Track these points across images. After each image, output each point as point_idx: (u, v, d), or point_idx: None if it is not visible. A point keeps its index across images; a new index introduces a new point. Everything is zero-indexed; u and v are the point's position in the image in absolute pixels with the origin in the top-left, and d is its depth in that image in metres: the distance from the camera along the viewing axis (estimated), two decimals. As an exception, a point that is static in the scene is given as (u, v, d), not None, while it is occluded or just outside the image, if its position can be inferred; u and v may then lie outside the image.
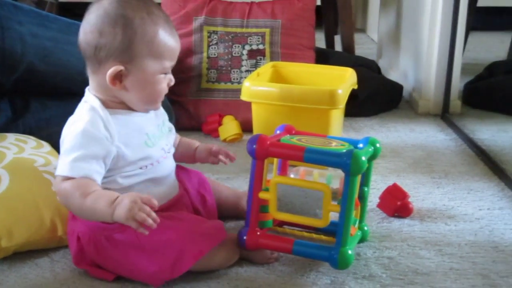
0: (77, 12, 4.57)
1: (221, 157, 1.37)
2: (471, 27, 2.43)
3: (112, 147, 1.16)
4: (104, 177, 1.17)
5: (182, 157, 1.38)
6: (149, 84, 1.19)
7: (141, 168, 1.21)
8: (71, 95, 1.71)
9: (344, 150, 1.17)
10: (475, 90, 2.36)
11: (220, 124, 1.99)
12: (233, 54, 2.13)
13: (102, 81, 1.18)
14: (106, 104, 1.19)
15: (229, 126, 1.95)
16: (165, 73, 1.21)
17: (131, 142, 1.19)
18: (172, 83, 1.24)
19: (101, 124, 1.16)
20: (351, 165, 1.13)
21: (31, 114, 1.66)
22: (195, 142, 1.40)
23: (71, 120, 1.19)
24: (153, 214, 1.07)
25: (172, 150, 1.31)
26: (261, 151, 1.19)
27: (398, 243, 1.35)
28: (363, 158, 1.14)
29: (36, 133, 1.65)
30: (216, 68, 2.11)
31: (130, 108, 1.22)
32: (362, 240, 1.33)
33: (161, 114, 1.30)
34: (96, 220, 1.15)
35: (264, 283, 1.19)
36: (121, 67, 1.16)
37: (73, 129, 1.16)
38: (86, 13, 1.19)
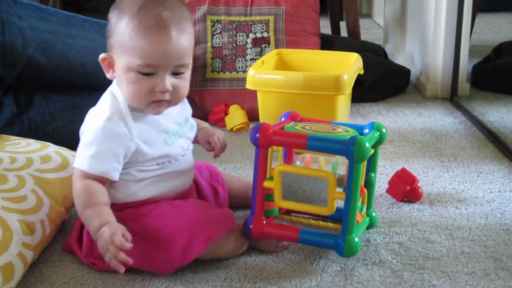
0: (81, 7, 4.56)
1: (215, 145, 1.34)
2: (478, 9, 2.40)
3: (131, 143, 1.16)
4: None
5: None
6: (124, 80, 1.16)
7: (158, 164, 1.21)
8: (74, 89, 1.72)
9: (348, 137, 1.15)
10: (483, 72, 2.34)
11: (226, 113, 1.98)
12: (238, 43, 2.11)
13: None
14: None
15: (235, 116, 1.94)
16: (145, 74, 1.13)
17: (150, 140, 1.19)
18: (160, 89, 1.14)
19: (121, 120, 1.16)
20: (354, 152, 1.11)
21: (35, 109, 1.66)
22: (202, 122, 1.38)
23: (92, 112, 1.20)
24: (121, 256, 1.07)
25: (191, 147, 1.30)
26: (264, 140, 1.18)
27: (408, 228, 1.34)
28: (367, 145, 1.12)
29: (42, 128, 1.65)
30: (220, 57, 2.10)
31: None
32: (370, 226, 1.32)
33: (186, 112, 1.29)
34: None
35: (273, 272, 1.18)
36: (105, 55, 1.17)
37: (93, 122, 1.16)
38: None
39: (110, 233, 1.09)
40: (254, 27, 2.12)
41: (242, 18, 2.13)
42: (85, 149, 1.16)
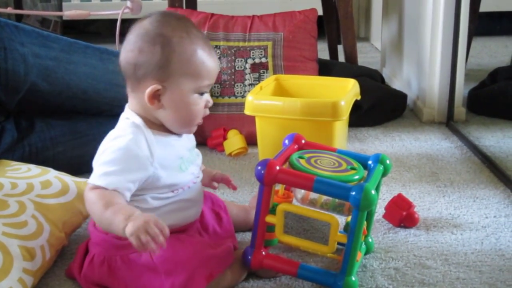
0: (81, 29, 4.60)
1: (215, 184, 1.40)
2: (474, 33, 2.43)
3: (151, 167, 1.17)
4: (136, 195, 1.17)
5: None
6: (185, 104, 1.20)
7: (172, 191, 1.23)
8: (75, 114, 1.74)
9: (355, 178, 1.18)
10: (479, 97, 2.36)
11: (225, 138, 1.99)
12: (236, 68, 2.13)
13: (142, 99, 1.19)
14: (147, 124, 1.20)
15: (234, 140, 1.96)
16: (202, 93, 1.22)
17: (167, 165, 1.20)
18: (210, 104, 1.25)
19: (144, 143, 1.17)
20: (360, 200, 1.11)
21: (36, 134, 1.68)
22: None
23: (113, 134, 1.19)
24: (160, 239, 1.04)
25: (201, 176, 1.31)
26: (269, 177, 1.18)
27: (404, 253, 1.35)
28: (373, 192, 1.13)
29: (42, 153, 1.67)
30: (219, 82, 2.12)
31: (167, 131, 1.23)
32: (367, 252, 1.33)
33: (192, 139, 1.31)
34: (111, 231, 1.13)
35: (270, 298, 1.20)
36: (158, 86, 1.17)
37: (115, 143, 1.16)
38: (127, 33, 1.21)
39: (147, 217, 1.05)
40: (253, 52, 2.15)
41: (241, 44, 2.16)
42: (103, 167, 1.14)
